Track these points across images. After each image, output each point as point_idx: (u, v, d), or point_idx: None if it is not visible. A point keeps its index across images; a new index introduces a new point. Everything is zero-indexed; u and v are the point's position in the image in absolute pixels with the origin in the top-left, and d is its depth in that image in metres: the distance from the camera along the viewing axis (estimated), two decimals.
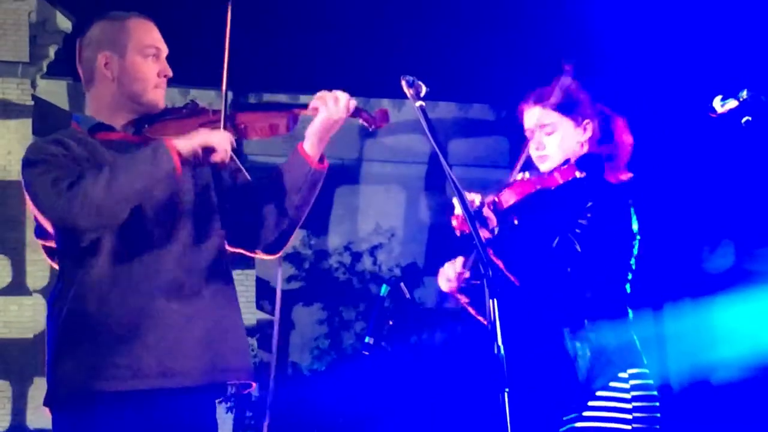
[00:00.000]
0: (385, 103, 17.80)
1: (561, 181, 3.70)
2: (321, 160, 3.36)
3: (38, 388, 13.96)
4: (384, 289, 4.20)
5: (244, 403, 13.75)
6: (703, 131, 12.21)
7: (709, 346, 12.59)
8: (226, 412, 13.59)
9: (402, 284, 4.10)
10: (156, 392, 3.13)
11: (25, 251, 14.33)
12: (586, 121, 3.83)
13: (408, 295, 4.30)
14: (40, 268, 14.32)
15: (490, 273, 2.94)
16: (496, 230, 3.59)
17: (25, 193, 3.18)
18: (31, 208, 3.20)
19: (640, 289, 3.79)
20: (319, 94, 3.31)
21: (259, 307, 15.97)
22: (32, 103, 15.00)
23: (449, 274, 3.81)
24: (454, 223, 3.59)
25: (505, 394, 2.87)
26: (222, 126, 3.18)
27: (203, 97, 15.43)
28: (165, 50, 3.35)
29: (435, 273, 3.93)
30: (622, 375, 3.60)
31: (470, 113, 18.07)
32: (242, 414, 14.10)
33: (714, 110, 3.38)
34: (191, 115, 3.30)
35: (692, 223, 14.29)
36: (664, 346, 13.40)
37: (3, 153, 14.57)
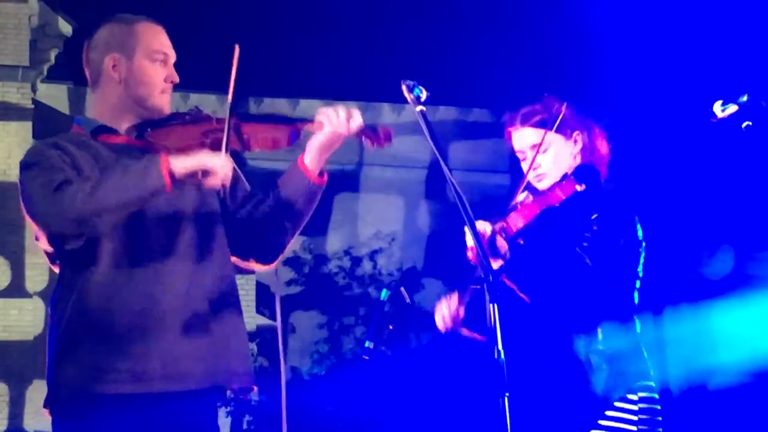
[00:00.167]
0: (386, 107, 17.83)
1: (563, 197, 3.71)
2: (320, 174, 3.35)
3: (36, 391, 13.95)
4: (384, 294, 4.20)
5: (242, 408, 13.74)
6: (703, 136, 12.21)
7: (707, 351, 12.59)
8: (225, 416, 13.59)
9: (402, 289, 4.10)
10: (157, 395, 3.12)
11: (25, 255, 14.34)
12: (576, 132, 3.84)
13: (408, 300, 4.30)
14: (39, 272, 14.31)
15: (491, 278, 2.94)
16: (508, 255, 3.59)
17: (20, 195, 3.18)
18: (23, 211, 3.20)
19: (641, 293, 3.79)
20: (323, 109, 3.29)
21: (259, 311, 15.97)
22: (32, 106, 15.01)
23: (444, 312, 3.81)
24: (470, 255, 3.58)
25: (506, 399, 2.87)
26: (225, 139, 3.15)
27: (204, 102, 15.45)
28: (173, 56, 3.34)
29: (435, 276, 3.94)
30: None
31: (470, 117, 18.08)
32: (239, 418, 14.09)
33: (714, 115, 3.38)
34: (194, 122, 3.28)
35: (692, 228, 14.29)
36: (664, 351, 13.39)
37: (3, 156, 14.57)
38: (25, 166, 3.18)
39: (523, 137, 3.84)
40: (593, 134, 3.87)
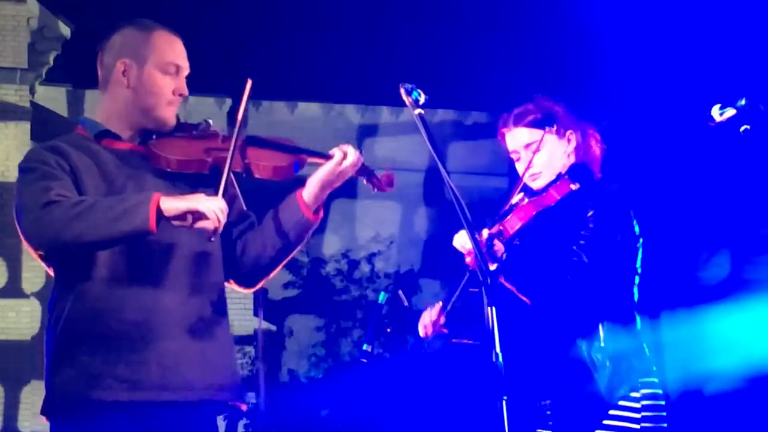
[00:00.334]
0: (384, 110, 17.84)
1: (558, 197, 3.72)
2: (316, 211, 3.34)
3: (33, 392, 13.94)
4: (382, 297, 4.21)
5: (239, 412, 13.73)
6: (701, 140, 12.22)
7: (704, 355, 12.59)
8: (223, 419, 13.59)
9: (400, 292, 4.11)
10: (156, 404, 3.12)
11: (22, 256, 14.33)
12: (569, 131, 3.85)
13: (406, 303, 4.31)
14: (37, 274, 14.31)
15: (489, 281, 2.94)
16: (504, 257, 3.60)
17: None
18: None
19: (639, 296, 3.80)
20: (334, 149, 3.28)
21: (257, 315, 15.95)
22: (31, 108, 15.00)
23: (426, 321, 3.85)
24: (468, 260, 3.59)
25: (503, 403, 2.87)
26: (224, 179, 3.12)
27: (201, 104, 15.45)
28: (186, 68, 3.31)
29: (433, 279, 3.98)
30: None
31: (468, 120, 18.09)
32: (235, 422, 14.08)
33: (712, 119, 3.38)
34: (200, 137, 3.27)
35: (690, 232, 14.29)
36: (661, 355, 13.39)
37: (1, 159, 14.56)
38: (23, 170, 3.17)
39: (516, 138, 3.86)
40: (587, 134, 3.88)
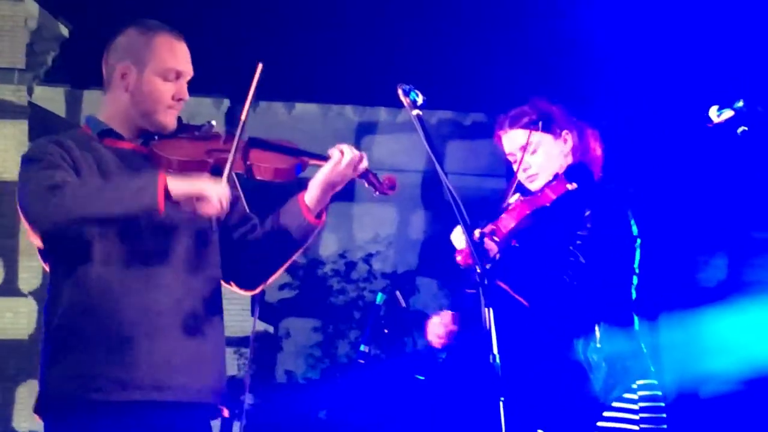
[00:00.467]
0: (382, 111, 17.83)
1: (554, 197, 3.72)
2: (319, 215, 3.34)
3: (30, 392, 13.93)
4: (380, 298, 4.21)
5: (232, 414, 13.70)
6: (699, 141, 12.23)
7: (701, 357, 12.59)
8: (219, 422, 13.56)
9: (398, 293, 4.11)
10: (150, 404, 3.12)
11: (18, 257, 14.31)
12: (565, 131, 3.84)
13: (403, 304, 4.31)
14: (33, 274, 14.30)
15: (486, 282, 2.94)
16: (497, 257, 3.60)
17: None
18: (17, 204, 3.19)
19: (637, 298, 3.80)
20: (331, 150, 3.28)
21: (254, 315, 15.93)
22: (29, 108, 14.99)
23: (439, 331, 3.85)
24: (459, 258, 3.59)
25: (501, 404, 2.87)
26: (228, 166, 3.13)
27: (199, 105, 15.44)
28: (188, 73, 3.29)
29: (430, 278, 3.97)
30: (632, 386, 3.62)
31: (466, 121, 18.09)
32: (230, 424, 14.06)
33: (710, 120, 3.38)
34: (203, 139, 3.27)
35: (688, 234, 14.30)
36: (659, 357, 13.39)
37: None
38: (27, 160, 3.17)
39: (512, 140, 3.85)
40: (585, 134, 3.87)
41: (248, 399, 13.67)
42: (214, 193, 3.03)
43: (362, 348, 4.08)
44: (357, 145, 3.32)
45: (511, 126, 3.85)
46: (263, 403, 13.03)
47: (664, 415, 3.65)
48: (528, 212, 3.69)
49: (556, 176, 3.78)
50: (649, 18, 13.46)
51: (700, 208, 13.94)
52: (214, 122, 3.35)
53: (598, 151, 3.88)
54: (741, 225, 13.84)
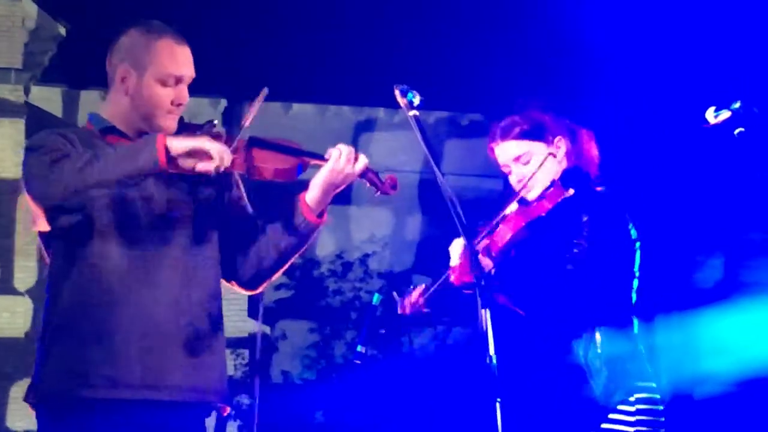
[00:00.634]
0: (380, 112, 17.84)
1: (550, 206, 3.71)
2: (320, 215, 3.34)
3: (23, 391, 13.93)
4: (376, 298, 4.20)
5: (228, 414, 13.70)
6: (695, 142, 12.23)
7: (698, 358, 12.59)
8: (213, 421, 13.54)
9: (394, 293, 4.10)
10: (143, 403, 3.12)
11: (14, 256, 14.31)
12: (557, 138, 3.83)
13: None
14: (29, 274, 14.29)
15: (483, 282, 2.94)
16: (493, 271, 3.59)
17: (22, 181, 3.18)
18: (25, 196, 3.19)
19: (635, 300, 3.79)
20: (330, 149, 3.27)
21: (251, 316, 15.94)
22: (25, 107, 14.97)
23: (410, 299, 3.88)
24: (452, 277, 3.60)
25: (497, 405, 2.87)
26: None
27: (196, 106, 15.43)
28: (189, 77, 3.28)
29: (427, 278, 3.98)
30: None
31: (464, 121, 18.09)
32: (224, 424, 14.07)
33: (707, 121, 3.38)
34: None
35: (684, 235, 14.30)
36: (656, 358, 13.39)
37: None
38: (31, 149, 3.19)
39: (505, 151, 3.84)
40: (578, 137, 3.86)
41: (244, 399, 13.67)
42: (214, 148, 3.03)
43: (359, 348, 4.07)
44: (354, 146, 3.31)
45: (503, 138, 3.83)
46: (259, 404, 13.02)
47: (663, 419, 3.64)
48: (524, 224, 3.68)
49: (552, 183, 3.77)
50: (646, 19, 13.47)
51: (697, 209, 13.94)
52: (215, 121, 3.34)
53: (594, 151, 3.87)
54: (738, 226, 13.84)
